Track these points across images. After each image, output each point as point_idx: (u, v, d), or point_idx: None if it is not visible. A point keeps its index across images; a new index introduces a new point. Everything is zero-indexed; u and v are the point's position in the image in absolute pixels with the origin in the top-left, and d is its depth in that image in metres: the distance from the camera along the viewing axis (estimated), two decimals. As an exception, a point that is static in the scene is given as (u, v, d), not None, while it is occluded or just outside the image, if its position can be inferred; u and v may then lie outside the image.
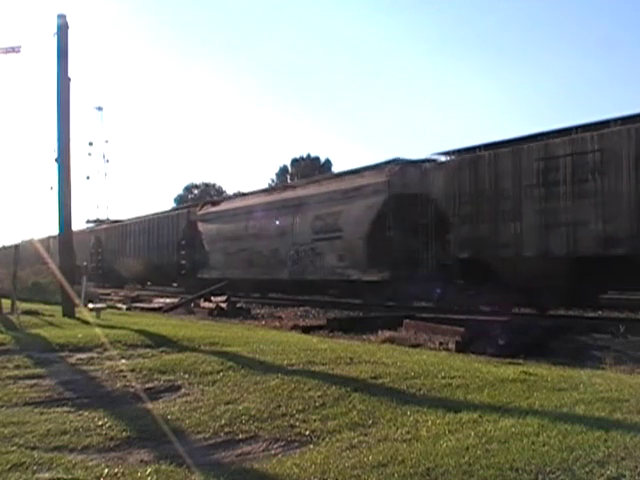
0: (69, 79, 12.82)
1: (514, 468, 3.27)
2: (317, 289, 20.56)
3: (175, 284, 30.10)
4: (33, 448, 3.85)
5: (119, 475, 3.39)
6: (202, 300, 18.94)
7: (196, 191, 68.01)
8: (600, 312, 14.03)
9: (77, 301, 13.01)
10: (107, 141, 65.39)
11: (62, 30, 12.76)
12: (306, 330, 12.01)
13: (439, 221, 15.77)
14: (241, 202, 25.98)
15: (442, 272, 15.71)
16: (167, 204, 71.69)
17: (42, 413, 4.66)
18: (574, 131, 13.47)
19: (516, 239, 14.04)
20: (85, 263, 18.97)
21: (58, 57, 12.75)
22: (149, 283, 33.34)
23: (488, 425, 4.08)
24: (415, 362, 6.40)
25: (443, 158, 16.87)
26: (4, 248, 35.34)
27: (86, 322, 10.82)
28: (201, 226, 26.63)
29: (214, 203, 28.73)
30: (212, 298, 18.43)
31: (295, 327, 12.64)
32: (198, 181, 70.34)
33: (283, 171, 63.95)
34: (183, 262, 27.67)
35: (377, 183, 17.71)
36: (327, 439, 4.04)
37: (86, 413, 4.66)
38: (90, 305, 14.04)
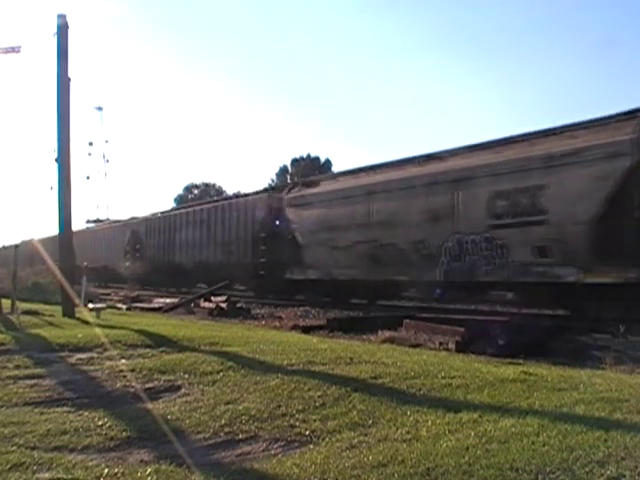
0: (69, 79, 12.82)
1: (514, 468, 3.27)
2: (487, 294, 15.99)
3: (243, 287, 24.75)
4: (33, 448, 3.85)
5: (119, 475, 3.39)
6: (202, 300, 18.94)
7: (196, 191, 68.02)
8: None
9: (77, 301, 13.00)
10: (107, 141, 65.59)
11: (62, 30, 12.75)
12: (306, 330, 12.01)
13: None
14: (356, 180, 18.93)
15: None
16: (167, 204, 71.72)
17: (42, 413, 4.65)
18: None
19: None
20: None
21: (58, 57, 12.74)
22: (203, 285, 26.18)
23: (488, 425, 4.08)
24: (415, 362, 6.40)
25: None
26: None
27: (86, 322, 10.82)
28: (291, 213, 20.39)
29: (309, 184, 21.65)
30: (212, 298, 18.44)
31: (295, 327, 12.64)
32: (198, 181, 70.41)
33: (283, 171, 63.93)
34: (262, 260, 21.44)
35: (611, 144, 12.14)
36: (327, 439, 4.04)
37: (86, 413, 4.66)
38: (90, 305, 14.03)
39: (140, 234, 33.22)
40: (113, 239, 36.70)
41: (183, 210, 31.02)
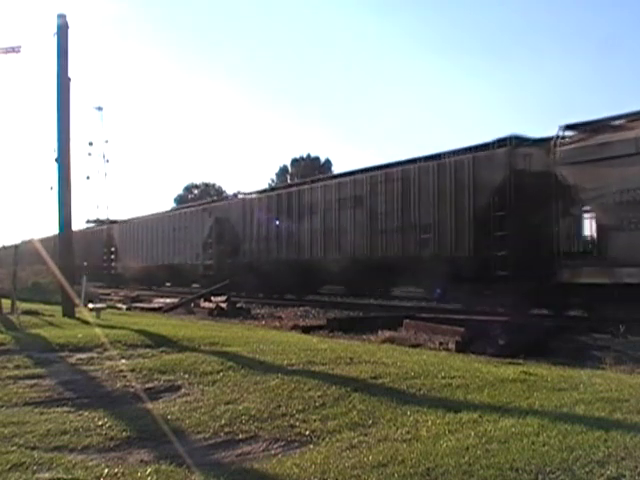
0: (69, 79, 12.83)
1: (514, 468, 3.27)
2: None
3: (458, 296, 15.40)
4: (33, 448, 3.85)
5: (119, 475, 3.39)
6: (202, 300, 18.94)
7: (196, 191, 68.02)
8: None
9: (77, 301, 13.01)
10: (107, 141, 65.05)
11: (62, 30, 12.77)
12: (306, 330, 12.02)
13: None
14: None
15: None
16: (167, 204, 71.70)
17: (42, 413, 4.66)
18: None
19: None
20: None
21: (58, 57, 12.75)
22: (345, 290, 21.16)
23: (488, 425, 4.08)
24: (415, 362, 6.40)
25: None
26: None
27: (86, 322, 10.82)
28: (574, 174, 12.70)
29: (602, 128, 13.09)
30: (212, 298, 18.44)
31: (295, 327, 12.66)
32: (198, 181, 70.37)
33: (283, 171, 63.93)
34: (502, 252, 13.80)
35: None
36: (327, 439, 4.04)
37: (86, 413, 4.66)
38: (90, 305, 14.04)
39: (229, 221, 24.90)
40: (184, 229, 28.44)
41: (321, 183, 21.17)
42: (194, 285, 28.11)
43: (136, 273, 32.47)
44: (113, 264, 36.23)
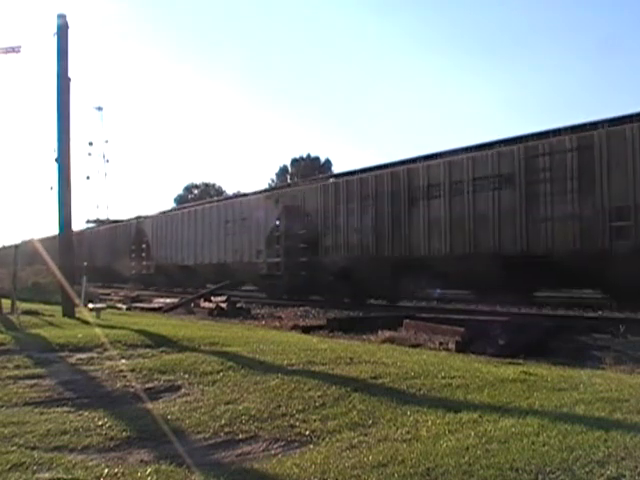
0: (69, 79, 12.83)
1: (514, 468, 3.27)
2: None
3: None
4: (33, 448, 3.85)
5: (119, 475, 3.39)
6: (202, 300, 18.94)
7: (196, 191, 68.03)
8: (600, 312, 14.03)
9: (77, 301, 13.01)
10: (107, 141, 65.44)
11: (62, 30, 12.77)
12: (306, 330, 12.02)
13: None
14: None
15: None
16: (167, 204, 71.59)
17: (42, 413, 4.66)
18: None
19: None
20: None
21: (58, 57, 12.75)
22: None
23: (488, 425, 4.08)
24: (415, 362, 6.40)
25: None
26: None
27: (86, 322, 10.82)
28: None
29: None
30: (212, 298, 18.44)
31: (295, 327, 12.65)
32: (198, 181, 70.38)
33: (283, 171, 63.97)
34: None
35: None
36: (327, 439, 4.04)
37: (86, 413, 4.66)
38: (90, 305, 14.04)
39: (304, 212, 20.58)
40: (241, 222, 23.86)
41: (445, 159, 16.59)
42: (249, 288, 25.66)
43: (174, 273, 28.38)
44: (144, 263, 31.68)
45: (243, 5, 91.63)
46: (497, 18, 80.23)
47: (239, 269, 23.75)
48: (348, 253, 18.92)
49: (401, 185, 17.39)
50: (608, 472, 3.20)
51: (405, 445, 3.76)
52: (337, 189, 19.67)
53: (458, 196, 15.83)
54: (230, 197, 32.28)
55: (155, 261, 30.76)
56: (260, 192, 25.78)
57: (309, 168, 57.75)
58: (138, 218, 34.98)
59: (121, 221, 38.36)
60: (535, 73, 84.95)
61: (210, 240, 25.89)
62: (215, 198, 38.18)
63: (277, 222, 21.56)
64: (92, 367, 6.31)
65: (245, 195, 26.84)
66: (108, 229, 38.26)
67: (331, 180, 21.12)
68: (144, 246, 31.88)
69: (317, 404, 4.80)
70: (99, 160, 58.47)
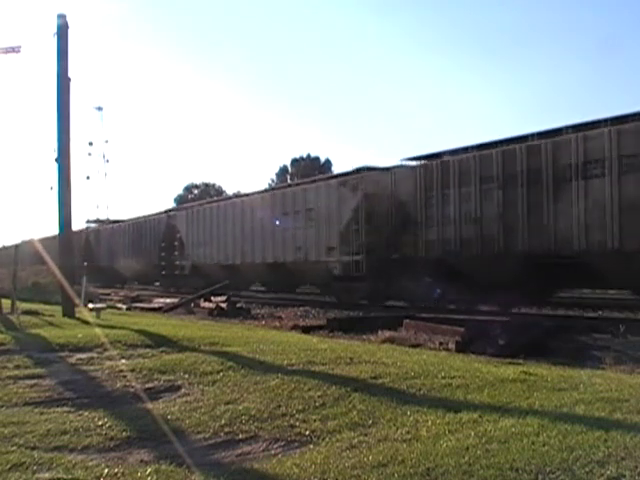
0: (69, 79, 12.83)
1: (514, 468, 3.27)
2: None
3: None
4: (33, 448, 3.85)
5: (119, 475, 3.39)
6: (202, 300, 18.94)
7: (196, 191, 68.01)
8: (600, 312, 14.03)
9: (77, 301, 13.00)
10: (107, 141, 65.25)
11: (62, 30, 12.76)
12: (306, 330, 12.02)
13: None
14: None
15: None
16: (167, 204, 71.52)
17: (42, 413, 4.66)
18: None
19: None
20: (85, 263, 18.73)
21: (58, 57, 12.75)
22: None
23: (488, 425, 4.08)
24: (415, 362, 6.40)
25: None
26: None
27: (86, 322, 10.82)
28: None
29: None
30: (212, 298, 18.44)
31: (295, 327, 12.65)
32: (198, 181, 70.34)
33: (283, 171, 63.93)
34: None
35: None
36: (327, 439, 4.04)
37: (86, 413, 4.66)
38: (90, 305, 14.04)
39: (395, 200, 17.29)
40: (305, 213, 20.24)
41: (613, 127, 12.93)
42: (256, 288, 24.13)
43: (214, 274, 24.29)
44: (177, 262, 27.79)
45: (243, 5, 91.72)
46: (497, 18, 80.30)
47: (301, 269, 20.24)
48: (460, 249, 15.53)
49: (544, 162, 13.85)
50: (608, 472, 3.20)
51: (405, 445, 3.75)
52: (444, 170, 15.96)
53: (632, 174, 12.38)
54: (288, 185, 25.40)
55: (191, 260, 27.01)
56: (327, 178, 21.69)
57: (309, 168, 57.72)
58: (168, 212, 31.10)
59: (145, 217, 34.06)
60: (535, 73, 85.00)
61: (262, 236, 21.91)
62: (267, 187, 31.56)
63: (354, 213, 17.84)
64: (92, 367, 6.31)
65: (313, 181, 21.72)
66: (132, 225, 34.36)
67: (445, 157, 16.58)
68: (176, 243, 27.92)
69: (317, 404, 4.80)
70: (99, 160, 58.37)
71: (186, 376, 5.79)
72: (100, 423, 4.38)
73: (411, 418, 4.35)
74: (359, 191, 17.95)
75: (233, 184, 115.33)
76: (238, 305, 17.56)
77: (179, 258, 27.86)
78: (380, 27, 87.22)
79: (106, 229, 38.32)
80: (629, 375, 6.74)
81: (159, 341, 7.76)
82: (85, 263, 18.70)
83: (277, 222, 21.27)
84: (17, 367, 6.22)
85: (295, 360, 6.41)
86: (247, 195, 25.71)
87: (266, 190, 26.56)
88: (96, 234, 39.14)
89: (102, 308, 13.73)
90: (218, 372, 5.89)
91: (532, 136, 14.67)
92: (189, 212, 28.24)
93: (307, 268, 20.00)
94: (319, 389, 5.15)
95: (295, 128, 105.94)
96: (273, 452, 3.91)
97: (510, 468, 3.27)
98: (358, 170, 18.92)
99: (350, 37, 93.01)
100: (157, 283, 31.22)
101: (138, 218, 34.81)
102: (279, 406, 4.76)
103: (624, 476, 3.16)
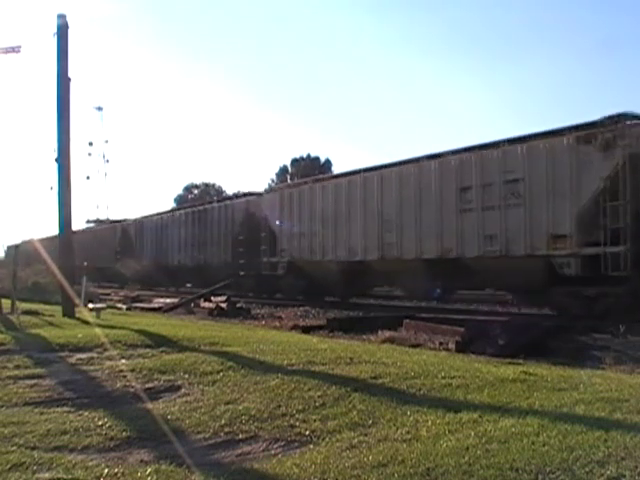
0: (69, 79, 12.83)
1: (514, 468, 3.27)
2: None
3: None
4: (33, 448, 3.85)
5: (119, 475, 3.39)
6: (202, 300, 18.94)
7: (196, 191, 68.02)
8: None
9: (77, 301, 13.00)
10: (107, 141, 65.28)
11: (62, 30, 12.77)
12: (306, 330, 12.02)
13: None
14: None
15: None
16: (167, 204, 71.43)
17: (42, 413, 4.66)
18: None
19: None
20: (85, 263, 18.67)
21: (58, 57, 12.76)
22: None
23: (488, 425, 4.08)
24: (415, 362, 6.40)
25: None
26: (9, 248, 34.72)
27: (86, 322, 10.82)
28: None
29: None
30: (212, 298, 18.44)
31: (295, 327, 12.65)
32: (198, 181, 70.31)
33: (283, 171, 63.90)
34: None
35: None
36: (327, 439, 4.04)
37: (86, 413, 4.66)
38: (90, 305, 14.04)
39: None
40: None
41: None
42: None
43: (321, 273, 19.11)
44: (266, 260, 21.18)
45: (243, 6, 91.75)
46: (494, 20, 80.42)
47: (492, 268, 14.13)
48: None
49: None
50: (608, 472, 3.20)
51: (405, 445, 3.75)
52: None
53: None
54: (465, 150, 15.38)
55: (288, 256, 20.34)
56: (550, 133, 13.59)
57: (309, 168, 57.67)
58: (248, 195, 24.80)
59: (203, 203, 28.97)
60: (532, 74, 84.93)
61: (418, 220, 15.64)
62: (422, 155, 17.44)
63: (606, 183, 11.99)
64: (92, 367, 6.31)
65: (518, 140, 14.02)
66: (187, 215, 28.06)
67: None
68: (264, 235, 21.37)
69: (317, 404, 4.80)
70: (99, 160, 58.39)
71: (186, 376, 5.79)
72: (100, 423, 4.38)
73: (411, 418, 4.35)
74: (617, 150, 11.99)
75: (233, 184, 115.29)
76: (238, 305, 17.56)
77: (267, 254, 21.21)
78: (379, 28, 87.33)
79: (152, 220, 32.24)
80: (629, 375, 6.74)
81: (159, 341, 7.76)
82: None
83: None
84: (17, 367, 6.22)
85: (295, 360, 6.41)
86: (380, 167, 17.81)
87: (423, 158, 16.49)
88: (138, 226, 33.22)
89: (102, 308, 13.73)
90: (218, 372, 5.89)
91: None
92: (283, 194, 21.21)
93: (504, 266, 13.83)
94: (319, 389, 5.15)
95: (295, 128, 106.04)
96: (273, 452, 3.91)
97: (510, 468, 3.27)
98: (611, 118, 12.41)
99: (350, 38, 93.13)
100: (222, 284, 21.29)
101: (193, 206, 29.49)
102: (279, 406, 4.76)
103: (624, 476, 3.16)
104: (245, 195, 25.17)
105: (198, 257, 25.85)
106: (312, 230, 19.28)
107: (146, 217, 33.69)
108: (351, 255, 17.82)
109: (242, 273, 22.20)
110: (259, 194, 24.14)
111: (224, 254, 24.06)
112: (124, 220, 36.64)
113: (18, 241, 20.03)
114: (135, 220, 34.67)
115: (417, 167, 16.08)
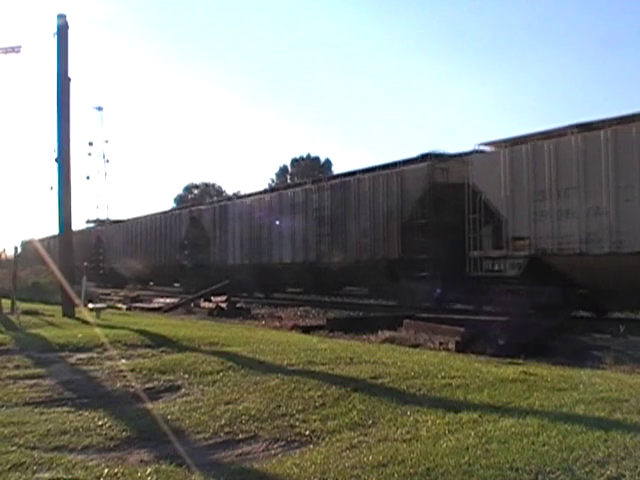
0: (69, 79, 12.84)
1: (514, 468, 3.27)
2: None
3: None
4: (33, 448, 3.85)
5: (119, 475, 3.39)
6: (202, 300, 18.95)
7: (196, 191, 68.01)
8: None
9: (77, 301, 13.01)
10: (107, 141, 65.01)
11: (62, 30, 12.78)
12: (306, 330, 12.02)
13: None
14: None
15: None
16: (167, 204, 71.36)
17: (42, 413, 4.66)
18: None
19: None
20: (86, 263, 18.68)
21: (58, 57, 12.77)
22: None
23: (488, 425, 4.08)
24: (415, 362, 6.40)
25: None
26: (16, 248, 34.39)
27: (86, 322, 10.82)
28: None
29: None
30: (212, 298, 18.45)
31: (295, 327, 12.65)
32: (198, 181, 70.26)
33: (283, 171, 63.91)
34: None
35: None
36: (327, 439, 4.04)
37: (86, 413, 4.66)
38: (90, 305, 14.04)
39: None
40: None
41: None
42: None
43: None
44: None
45: (242, 6, 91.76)
46: (492, 20, 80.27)
47: (593, 268, 11.68)
48: None
49: None
50: (608, 472, 3.20)
51: (405, 445, 3.75)
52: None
53: None
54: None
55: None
56: None
57: (309, 168, 57.71)
58: (353, 173, 18.39)
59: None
60: (531, 74, 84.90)
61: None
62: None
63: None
64: (92, 367, 6.31)
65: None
66: (307, 192, 20.20)
67: None
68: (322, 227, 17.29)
69: (317, 404, 4.80)
70: (99, 160, 58.30)
71: (186, 376, 5.79)
72: (100, 423, 4.38)
73: (411, 418, 4.35)
74: None
75: (233, 184, 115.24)
76: (238, 305, 17.56)
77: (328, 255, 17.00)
78: (378, 29, 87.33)
79: (242, 204, 24.35)
80: (629, 375, 6.74)
81: (159, 341, 7.77)
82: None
83: None
84: (17, 367, 6.22)
85: (295, 360, 6.41)
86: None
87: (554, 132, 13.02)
88: (218, 212, 25.24)
89: (102, 308, 13.74)
90: (218, 372, 5.89)
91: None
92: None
93: (613, 266, 11.14)
94: (319, 389, 5.15)
95: (295, 128, 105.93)
96: (273, 452, 3.91)
97: (510, 468, 3.27)
98: None
99: (350, 38, 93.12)
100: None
101: (275, 189, 23.31)
102: (279, 406, 4.76)
103: (624, 476, 3.16)
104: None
105: (330, 253, 17.75)
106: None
107: (230, 198, 27.01)
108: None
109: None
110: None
111: (379, 244, 15.82)
112: (191, 206, 29.45)
113: (18, 241, 20.02)
114: (212, 203, 26.73)
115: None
